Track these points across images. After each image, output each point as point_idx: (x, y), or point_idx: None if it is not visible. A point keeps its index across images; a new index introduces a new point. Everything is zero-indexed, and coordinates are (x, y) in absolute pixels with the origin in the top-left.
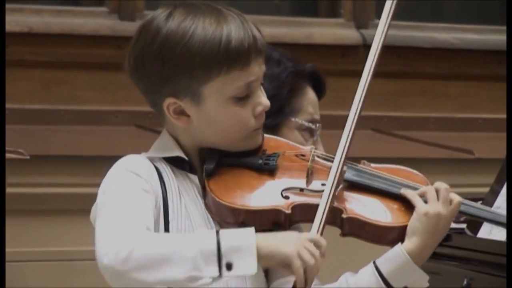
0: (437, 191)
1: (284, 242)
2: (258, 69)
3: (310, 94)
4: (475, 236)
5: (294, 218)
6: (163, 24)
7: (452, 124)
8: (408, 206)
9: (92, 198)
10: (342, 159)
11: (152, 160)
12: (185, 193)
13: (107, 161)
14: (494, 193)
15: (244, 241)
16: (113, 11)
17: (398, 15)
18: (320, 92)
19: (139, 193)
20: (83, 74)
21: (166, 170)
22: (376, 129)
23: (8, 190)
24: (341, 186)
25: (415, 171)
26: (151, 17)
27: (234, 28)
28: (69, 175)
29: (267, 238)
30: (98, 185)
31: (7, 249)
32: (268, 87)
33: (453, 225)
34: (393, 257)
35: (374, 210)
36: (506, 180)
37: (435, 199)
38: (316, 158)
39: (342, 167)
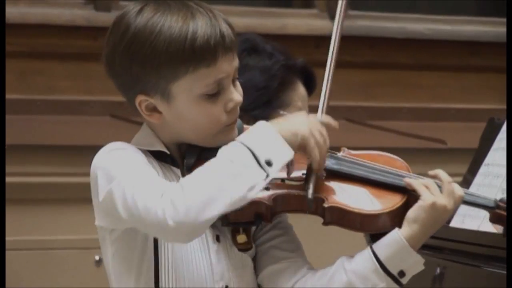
0: (442, 183)
1: (297, 124)
2: (227, 65)
3: (300, 89)
4: (447, 226)
5: (276, 209)
6: (133, 21)
7: (425, 114)
8: (389, 193)
9: (68, 186)
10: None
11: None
12: None
13: (82, 150)
14: (467, 183)
15: (266, 134)
16: (88, 2)
17: (372, 6)
18: (310, 87)
19: (145, 163)
20: (59, 64)
21: (152, 162)
22: (349, 119)
23: None
24: (322, 175)
25: (394, 156)
26: (123, 12)
27: (200, 26)
28: (45, 164)
29: (281, 124)
30: (74, 175)
31: None
32: (259, 79)
33: None
34: (391, 242)
35: (355, 198)
36: (507, 180)
37: (438, 191)
38: None
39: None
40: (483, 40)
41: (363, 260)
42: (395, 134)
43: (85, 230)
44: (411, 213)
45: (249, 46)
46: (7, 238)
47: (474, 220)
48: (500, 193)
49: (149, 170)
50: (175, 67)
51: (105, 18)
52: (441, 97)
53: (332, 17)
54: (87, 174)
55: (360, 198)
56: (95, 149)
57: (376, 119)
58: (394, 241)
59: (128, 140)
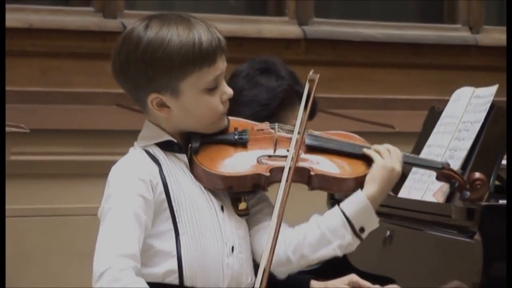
0: (388, 150)
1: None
2: (222, 64)
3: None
4: (396, 196)
5: (271, 179)
6: (143, 34)
7: (376, 104)
8: (359, 161)
9: (81, 164)
10: (303, 129)
11: (147, 148)
12: (177, 170)
13: (93, 134)
14: None
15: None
16: (98, 11)
17: (333, 13)
18: (311, 113)
19: (136, 210)
20: (74, 62)
21: (160, 154)
22: (320, 109)
23: (12, 158)
24: (301, 151)
25: (354, 134)
26: (130, 28)
27: (203, 33)
28: (61, 145)
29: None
30: (86, 154)
31: (9, 206)
32: (263, 96)
33: None
34: (356, 201)
35: (334, 166)
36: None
37: (388, 156)
38: (279, 131)
39: (302, 135)
40: (424, 42)
41: (333, 217)
42: (353, 120)
43: (97, 199)
44: (369, 175)
45: (265, 67)
46: (31, 206)
47: (418, 192)
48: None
49: (128, 228)
50: (185, 68)
51: (112, 24)
52: (390, 89)
53: (299, 24)
54: (97, 153)
55: (337, 166)
56: (103, 132)
57: (337, 108)
58: (358, 199)
59: (131, 124)
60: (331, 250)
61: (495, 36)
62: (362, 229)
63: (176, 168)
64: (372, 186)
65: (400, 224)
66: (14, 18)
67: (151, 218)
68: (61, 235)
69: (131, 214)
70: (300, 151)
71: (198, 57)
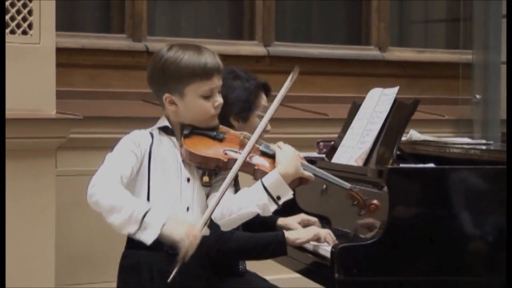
0: (285, 145)
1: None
2: (217, 81)
3: (263, 96)
4: (330, 161)
5: (228, 166)
6: (165, 54)
7: (316, 99)
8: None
9: (116, 140)
10: (255, 139)
11: (152, 130)
12: (166, 147)
13: (124, 120)
14: (341, 137)
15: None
16: (129, 36)
17: (288, 38)
18: (267, 94)
19: (127, 153)
20: (112, 72)
21: (157, 133)
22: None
23: (71, 136)
24: (256, 154)
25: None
26: (158, 51)
27: (208, 57)
28: (104, 127)
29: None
30: (119, 133)
31: (70, 168)
32: (243, 95)
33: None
34: (271, 175)
35: (268, 164)
36: (507, 179)
37: (289, 148)
38: (244, 138)
39: (254, 143)
40: (349, 58)
41: (256, 186)
42: (300, 110)
43: None
44: (276, 159)
45: (234, 75)
46: (82, 168)
47: (345, 159)
48: (359, 143)
49: (120, 162)
50: (190, 78)
51: (138, 46)
52: (325, 90)
53: (265, 46)
54: (127, 133)
55: (268, 164)
56: (132, 119)
57: (290, 102)
58: (273, 174)
59: (151, 114)
60: (252, 208)
61: (396, 54)
62: (278, 197)
63: (164, 144)
64: (279, 165)
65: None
66: (71, 41)
67: (136, 168)
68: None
69: (121, 158)
70: (255, 154)
71: (200, 72)
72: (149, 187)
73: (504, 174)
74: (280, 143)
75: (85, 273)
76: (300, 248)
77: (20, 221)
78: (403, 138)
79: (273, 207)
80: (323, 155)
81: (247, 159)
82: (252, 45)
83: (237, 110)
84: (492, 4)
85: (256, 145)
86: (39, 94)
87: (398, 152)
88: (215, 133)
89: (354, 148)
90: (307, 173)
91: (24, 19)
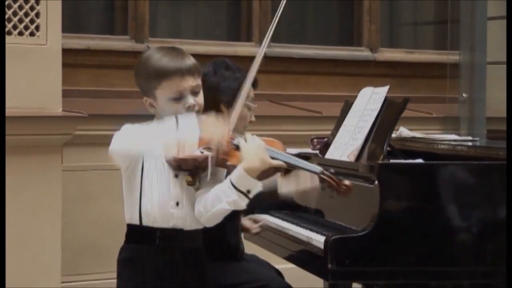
0: (253, 141)
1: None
2: (185, 83)
3: (252, 89)
4: (323, 157)
5: (202, 164)
6: (140, 57)
7: (311, 98)
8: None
9: None
10: (229, 133)
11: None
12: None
13: (128, 117)
14: (333, 134)
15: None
16: (131, 38)
17: (283, 39)
18: (255, 86)
19: (140, 137)
20: (116, 71)
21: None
22: (271, 100)
23: (77, 133)
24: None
25: (270, 139)
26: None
27: (176, 59)
28: (107, 124)
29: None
30: None
31: (78, 164)
32: (234, 85)
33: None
34: (236, 171)
35: (237, 159)
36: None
37: (253, 141)
38: None
39: (229, 137)
40: (341, 59)
41: (225, 184)
42: (295, 108)
43: None
44: (242, 155)
45: (225, 65)
46: (89, 164)
47: (338, 155)
48: (351, 140)
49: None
50: (157, 81)
51: (140, 46)
52: (319, 89)
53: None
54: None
55: (238, 158)
56: (134, 116)
57: (285, 101)
58: (238, 169)
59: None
60: (223, 205)
61: (387, 54)
62: (248, 191)
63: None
64: (244, 161)
65: (328, 174)
66: (77, 42)
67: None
68: (111, 181)
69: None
70: (228, 150)
71: (165, 74)
72: (142, 183)
73: (490, 169)
74: (248, 136)
75: (90, 263)
76: (295, 240)
77: (28, 213)
78: (393, 135)
79: (244, 201)
80: (317, 151)
81: (219, 155)
82: (249, 46)
83: (227, 98)
84: (478, 7)
85: (231, 139)
86: (46, 93)
87: (388, 148)
88: None
89: (346, 145)
90: (277, 162)
91: (32, 21)
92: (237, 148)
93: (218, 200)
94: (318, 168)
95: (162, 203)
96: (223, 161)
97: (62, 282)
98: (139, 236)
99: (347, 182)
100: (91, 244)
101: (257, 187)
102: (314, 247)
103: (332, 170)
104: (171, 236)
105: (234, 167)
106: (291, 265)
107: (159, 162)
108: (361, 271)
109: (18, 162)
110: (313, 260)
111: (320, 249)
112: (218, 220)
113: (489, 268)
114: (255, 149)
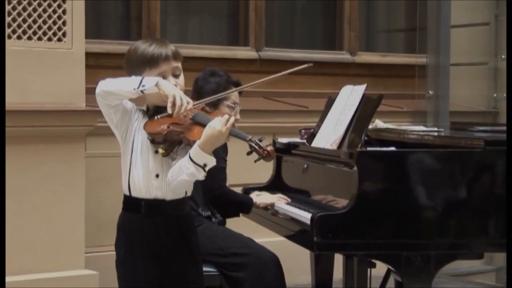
0: (223, 118)
1: (209, 137)
2: (166, 65)
3: (235, 92)
4: (310, 145)
5: (168, 137)
6: (131, 46)
7: (298, 95)
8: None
9: None
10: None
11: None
12: (143, 122)
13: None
14: (318, 126)
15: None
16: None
17: (276, 44)
18: (238, 86)
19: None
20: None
21: (141, 114)
22: (265, 96)
23: (98, 124)
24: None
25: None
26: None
27: (155, 47)
28: None
29: (202, 140)
30: None
31: (94, 151)
32: (213, 87)
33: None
34: (194, 147)
35: (196, 134)
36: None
37: (218, 121)
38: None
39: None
40: (325, 61)
41: (185, 158)
42: (285, 103)
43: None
44: (203, 132)
45: (211, 72)
46: (101, 152)
47: (322, 143)
48: (334, 131)
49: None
50: (140, 67)
51: None
52: (306, 87)
53: (256, 50)
54: None
55: (197, 133)
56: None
57: (276, 97)
58: (195, 146)
59: None
60: (183, 176)
61: (365, 57)
62: (205, 165)
63: (143, 121)
64: (202, 137)
65: (312, 161)
66: (98, 47)
67: (124, 113)
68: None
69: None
70: (186, 122)
71: (146, 61)
72: (131, 157)
73: (452, 155)
74: (217, 117)
75: (109, 237)
76: (286, 217)
77: (56, 195)
78: (370, 126)
79: (201, 174)
80: (304, 140)
81: (180, 128)
82: (246, 50)
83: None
84: (443, 16)
85: (193, 114)
86: (71, 90)
87: (365, 138)
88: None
89: (329, 135)
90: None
91: (59, 28)
92: (196, 123)
93: (180, 172)
94: (247, 136)
95: (144, 175)
96: (183, 136)
97: (86, 253)
98: (129, 205)
99: (269, 147)
100: (110, 220)
101: (212, 161)
102: (302, 223)
103: (261, 138)
104: (153, 206)
105: (193, 142)
106: (280, 238)
107: (144, 138)
108: (343, 243)
109: (47, 150)
110: (301, 234)
111: (307, 225)
112: (182, 189)
113: (453, 240)
114: (214, 127)
